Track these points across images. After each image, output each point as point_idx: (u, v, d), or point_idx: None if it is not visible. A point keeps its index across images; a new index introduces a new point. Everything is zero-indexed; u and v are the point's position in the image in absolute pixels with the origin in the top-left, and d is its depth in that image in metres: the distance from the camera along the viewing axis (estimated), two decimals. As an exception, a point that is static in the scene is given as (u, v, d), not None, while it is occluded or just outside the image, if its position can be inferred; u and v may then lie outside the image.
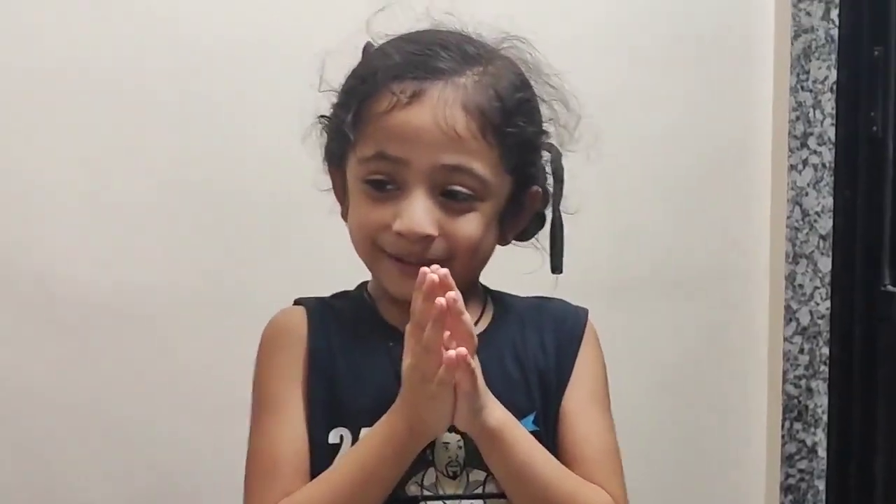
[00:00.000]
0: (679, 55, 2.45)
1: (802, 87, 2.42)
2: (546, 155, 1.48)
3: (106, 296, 2.21)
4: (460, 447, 1.37)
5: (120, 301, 2.21)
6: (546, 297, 1.53)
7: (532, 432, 1.38)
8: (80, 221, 2.20)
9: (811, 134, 2.41)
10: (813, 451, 2.44)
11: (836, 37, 2.39)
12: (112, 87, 2.19)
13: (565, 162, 1.47)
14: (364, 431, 1.36)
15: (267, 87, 2.24)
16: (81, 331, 2.21)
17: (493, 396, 1.32)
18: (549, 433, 1.42)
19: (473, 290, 1.48)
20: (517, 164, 1.41)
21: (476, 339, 1.29)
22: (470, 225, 1.38)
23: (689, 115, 2.45)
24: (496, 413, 1.32)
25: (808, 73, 2.41)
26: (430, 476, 1.37)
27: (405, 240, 1.36)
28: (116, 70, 2.19)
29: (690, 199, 2.46)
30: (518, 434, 1.34)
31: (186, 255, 2.25)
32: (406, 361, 1.29)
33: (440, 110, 1.35)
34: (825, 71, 2.40)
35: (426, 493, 1.37)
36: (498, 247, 1.47)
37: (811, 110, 2.41)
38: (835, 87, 2.39)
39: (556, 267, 1.49)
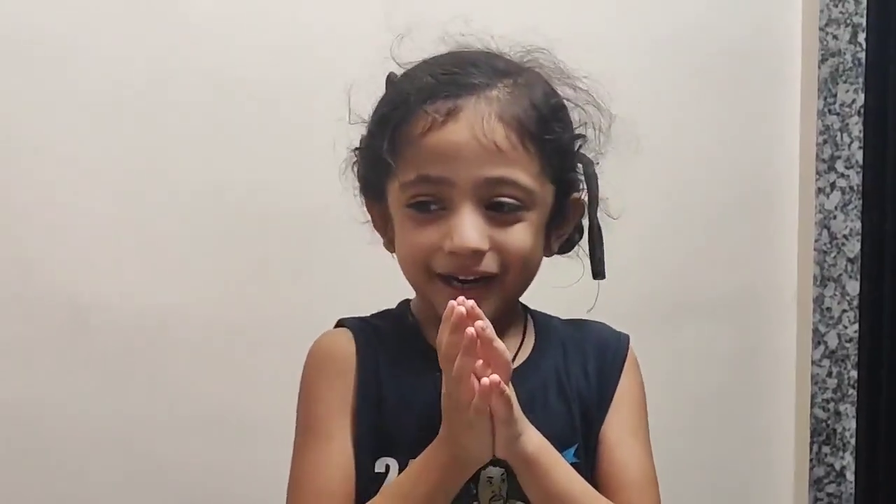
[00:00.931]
0: (707, 78, 2.45)
1: (830, 111, 2.42)
2: (579, 166, 1.45)
3: (137, 321, 2.21)
4: (503, 480, 1.36)
5: (151, 326, 2.21)
6: (587, 321, 1.51)
7: (573, 464, 1.36)
8: (111, 248, 2.21)
9: (839, 157, 2.41)
10: (841, 474, 2.43)
11: (863, 60, 2.40)
12: (143, 116, 2.20)
13: (605, 168, 1.46)
14: (411, 462, 1.34)
15: (293, 117, 2.25)
16: (112, 356, 2.21)
17: (529, 424, 1.30)
18: (589, 464, 1.42)
19: (515, 313, 1.47)
20: (558, 170, 1.40)
21: (511, 365, 1.27)
22: (519, 235, 1.36)
23: (717, 139, 2.44)
24: (533, 440, 1.30)
25: (835, 96, 2.41)
26: None
27: (458, 257, 1.34)
28: (147, 100, 2.20)
29: (718, 222, 2.46)
30: (555, 462, 1.32)
31: (217, 280, 2.25)
32: (443, 392, 1.27)
33: (478, 124, 1.33)
34: (852, 94, 2.40)
35: None
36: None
37: (839, 133, 2.41)
38: (862, 111, 2.40)
39: (598, 272, 1.46)
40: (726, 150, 2.46)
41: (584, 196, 1.46)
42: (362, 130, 1.46)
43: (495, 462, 1.32)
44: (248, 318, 2.26)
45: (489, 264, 1.35)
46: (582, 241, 1.49)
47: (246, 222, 2.26)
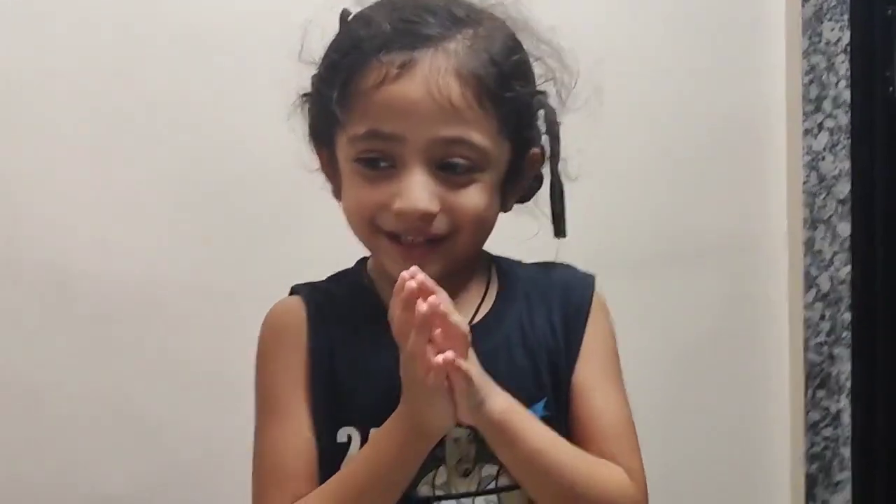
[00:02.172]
0: (689, 21, 2.42)
1: (815, 50, 2.40)
2: (540, 113, 1.40)
3: (120, 286, 2.22)
4: (471, 441, 1.33)
5: (134, 291, 2.22)
6: (552, 264, 1.47)
7: (543, 418, 1.33)
8: (92, 214, 2.21)
9: (825, 97, 2.40)
10: (837, 418, 2.43)
11: (847, -3, 2.38)
12: (119, 82, 2.20)
13: (568, 124, 1.40)
14: (373, 431, 1.31)
15: (249, 68, 2.23)
16: (96, 323, 2.22)
17: (494, 386, 1.27)
18: (562, 415, 1.38)
19: (477, 263, 1.43)
20: (515, 128, 1.34)
21: (468, 337, 1.23)
22: (472, 197, 1.31)
23: (701, 82, 2.42)
24: (499, 403, 1.26)
25: (820, 34, 2.39)
26: (441, 475, 1.33)
27: (406, 218, 1.29)
28: (122, 64, 2.20)
29: (705, 167, 2.44)
30: (525, 422, 1.29)
31: (199, 244, 2.25)
32: (401, 365, 1.25)
33: (433, 80, 1.27)
34: (838, 32, 2.38)
35: (438, 492, 1.33)
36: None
37: (825, 73, 2.40)
38: (848, 49, 2.38)
39: (560, 231, 1.42)
40: (710, 93, 2.43)
41: (544, 150, 1.40)
42: (314, 73, 1.40)
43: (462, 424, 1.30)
44: (231, 281, 2.26)
45: (439, 226, 1.31)
46: (541, 191, 1.43)
47: (227, 185, 2.25)
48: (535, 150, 1.40)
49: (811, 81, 2.41)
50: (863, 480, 2.43)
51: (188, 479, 2.26)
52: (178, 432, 2.25)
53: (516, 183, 1.39)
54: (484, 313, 1.38)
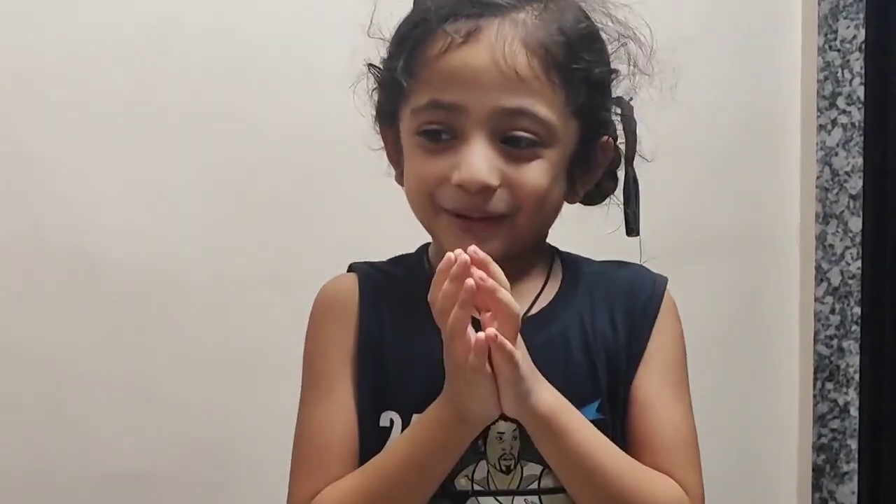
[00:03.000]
0: (706, 18, 2.43)
1: (830, 47, 2.40)
2: (616, 109, 1.37)
3: (145, 268, 2.24)
4: (515, 438, 1.27)
5: (158, 273, 2.24)
6: (622, 263, 1.41)
7: (595, 421, 1.27)
8: (119, 198, 2.24)
9: (840, 94, 2.40)
10: (845, 410, 2.43)
11: (863, -5, 2.38)
12: (146, 65, 2.23)
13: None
14: (415, 417, 1.27)
15: (298, 62, 2.26)
16: (118, 303, 2.24)
17: (542, 379, 1.22)
18: (617, 421, 1.32)
19: (539, 254, 1.38)
20: (584, 106, 1.29)
21: (518, 318, 1.17)
22: (535, 173, 1.26)
23: (718, 78, 2.43)
24: (546, 397, 1.21)
25: (835, 32, 2.40)
26: (481, 469, 1.28)
27: (465, 192, 1.24)
28: (150, 48, 2.23)
29: (719, 161, 2.45)
30: (573, 420, 1.23)
31: (222, 227, 2.27)
32: (444, 348, 1.19)
33: (499, 48, 1.23)
34: (853, 30, 2.39)
35: (477, 487, 1.28)
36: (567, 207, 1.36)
37: (840, 70, 2.40)
38: (863, 47, 2.38)
39: (632, 229, 1.38)
40: (727, 88, 2.44)
41: (617, 141, 1.37)
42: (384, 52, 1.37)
43: (507, 417, 1.24)
44: (255, 264, 2.28)
45: (498, 204, 1.26)
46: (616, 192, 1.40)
47: (250, 169, 2.27)
48: (608, 137, 1.36)
49: (826, 78, 2.41)
50: (869, 472, 2.43)
51: (203, 458, 2.28)
52: (194, 413, 2.27)
53: (586, 170, 1.35)
54: (542, 306, 1.34)
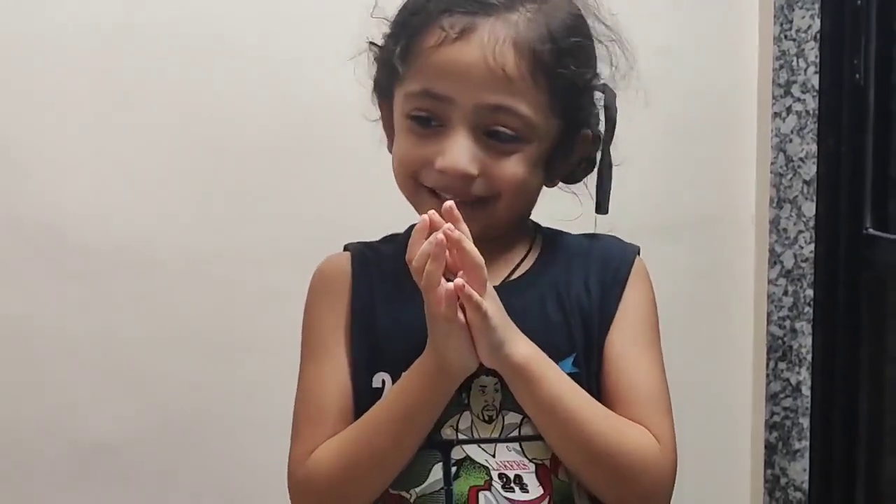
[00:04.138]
0: (665, 3, 2.47)
1: (786, 37, 2.43)
2: (600, 96, 1.44)
3: (117, 242, 2.27)
4: (497, 390, 1.34)
5: (131, 247, 2.28)
6: (598, 235, 1.49)
7: (571, 374, 1.34)
8: (91, 171, 2.27)
9: (795, 82, 2.43)
10: (797, 389, 2.46)
11: (819, -14, 2.39)
12: (121, 38, 2.25)
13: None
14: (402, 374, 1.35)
15: (280, 26, 2.30)
16: (92, 275, 2.27)
17: (518, 332, 1.30)
18: (592, 376, 1.38)
19: (521, 227, 1.46)
20: (566, 107, 1.38)
21: (484, 269, 1.25)
22: (513, 166, 1.35)
23: (676, 64, 2.46)
24: (521, 348, 1.29)
25: (791, 22, 2.42)
26: (465, 420, 1.35)
27: (446, 177, 1.34)
28: (125, 21, 2.25)
29: (679, 147, 2.48)
30: (548, 370, 1.31)
31: (194, 202, 2.31)
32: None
33: (489, 47, 1.31)
34: (808, 20, 2.41)
35: (461, 436, 1.35)
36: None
37: (795, 59, 2.42)
38: (818, 36, 2.40)
39: (602, 207, 1.46)
40: (686, 77, 2.48)
41: (597, 130, 1.44)
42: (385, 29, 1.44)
43: (489, 372, 1.32)
44: (225, 239, 2.31)
45: (478, 189, 1.35)
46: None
47: (221, 147, 2.30)
48: (588, 131, 1.44)
49: (781, 67, 2.43)
50: (820, 450, 2.45)
51: (175, 428, 2.31)
52: (167, 384, 2.30)
53: (564, 160, 1.43)
54: (521, 272, 1.42)
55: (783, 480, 2.49)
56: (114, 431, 2.28)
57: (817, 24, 2.41)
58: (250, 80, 2.30)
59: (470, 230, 1.27)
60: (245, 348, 2.28)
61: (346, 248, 1.49)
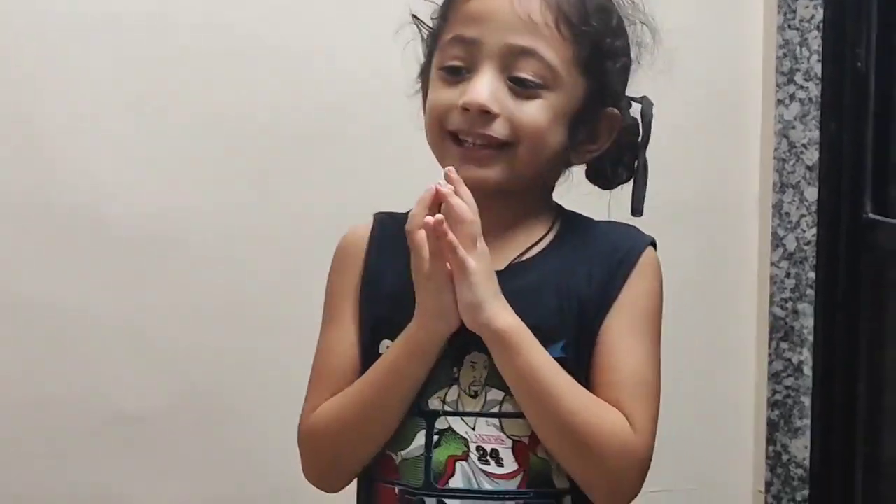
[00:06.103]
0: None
1: (789, 26, 2.46)
2: (636, 106, 1.49)
3: (150, 223, 2.32)
4: (486, 367, 1.37)
5: (162, 228, 2.32)
6: (615, 224, 1.50)
7: (558, 359, 1.34)
8: (125, 156, 2.31)
9: (798, 70, 2.46)
10: (799, 369, 2.49)
11: (821, -24, 2.42)
12: (153, 27, 2.29)
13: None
14: None
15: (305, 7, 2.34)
16: (121, 256, 2.32)
17: (504, 302, 1.32)
18: (582, 363, 1.38)
19: (545, 210, 1.48)
20: (591, 68, 1.40)
21: (473, 224, 1.29)
22: (534, 110, 1.37)
23: (681, 52, 2.42)
24: (504, 316, 1.32)
25: (794, 11, 2.45)
26: (453, 393, 1.37)
27: (467, 113, 1.36)
28: (157, 9, 2.29)
29: (683, 133, 2.48)
30: (531, 345, 1.32)
31: (222, 185, 2.34)
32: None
33: None
34: (811, 10, 2.44)
35: (447, 408, 1.38)
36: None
37: (798, 48, 2.45)
38: (821, 26, 2.43)
39: (637, 210, 1.50)
40: (691, 65, 2.45)
41: (629, 117, 1.49)
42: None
43: (482, 349, 1.35)
44: (249, 220, 2.35)
45: (498, 129, 1.37)
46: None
47: (245, 130, 2.34)
48: (615, 109, 1.46)
49: (785, 55, 2.46)
50: (821, 427, 2.48)
51: (199, 401, 2.36)
52: (191, 357, 2.35)
53: (590, 135, 1.45)
54: (531, 255, 1.43)
55: (785, 457, 2.52)
56: (140, 403, 2.33)
57: (820, 13, 2.44)
58: (276, 67, 2.34)
59: (489, 178, 1.34)
60: (266, 324, 2.33)
61: (375, 217, 1.53)
